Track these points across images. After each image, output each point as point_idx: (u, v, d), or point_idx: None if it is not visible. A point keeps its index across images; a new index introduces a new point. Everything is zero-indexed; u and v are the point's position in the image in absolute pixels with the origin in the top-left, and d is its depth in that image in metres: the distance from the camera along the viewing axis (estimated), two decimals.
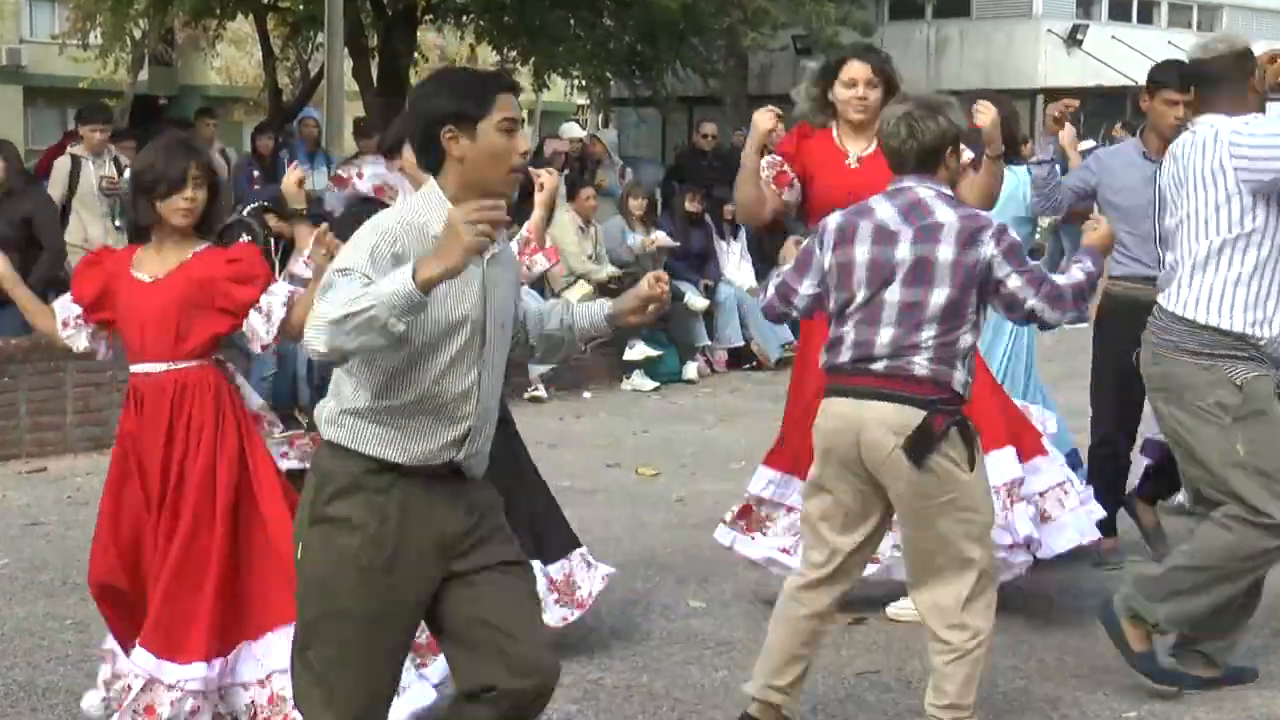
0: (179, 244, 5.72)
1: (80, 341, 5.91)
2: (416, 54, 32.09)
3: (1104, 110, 40.54)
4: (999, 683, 6.25)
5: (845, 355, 5.46)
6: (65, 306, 5.89)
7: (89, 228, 12.40)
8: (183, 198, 5.60)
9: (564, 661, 6.55)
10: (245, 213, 13.18)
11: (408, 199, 4.42)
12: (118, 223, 12.91)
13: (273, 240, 12.80)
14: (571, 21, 29.90)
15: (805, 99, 7.53)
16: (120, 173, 13.05)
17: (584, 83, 34.26)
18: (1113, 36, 43.78)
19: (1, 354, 11.36)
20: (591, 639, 6.99)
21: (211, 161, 6.16)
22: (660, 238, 15.65)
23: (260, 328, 5.68)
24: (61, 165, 12.62)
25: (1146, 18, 46.51)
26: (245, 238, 12.06)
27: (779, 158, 7.41)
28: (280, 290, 5.70)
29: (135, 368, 5.73)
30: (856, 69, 7.33)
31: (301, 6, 29.89)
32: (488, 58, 37.63)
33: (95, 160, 12.79)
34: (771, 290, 5.89)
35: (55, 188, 12.56)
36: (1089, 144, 21.74)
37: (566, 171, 17.09)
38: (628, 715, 6.04)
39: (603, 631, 7.11)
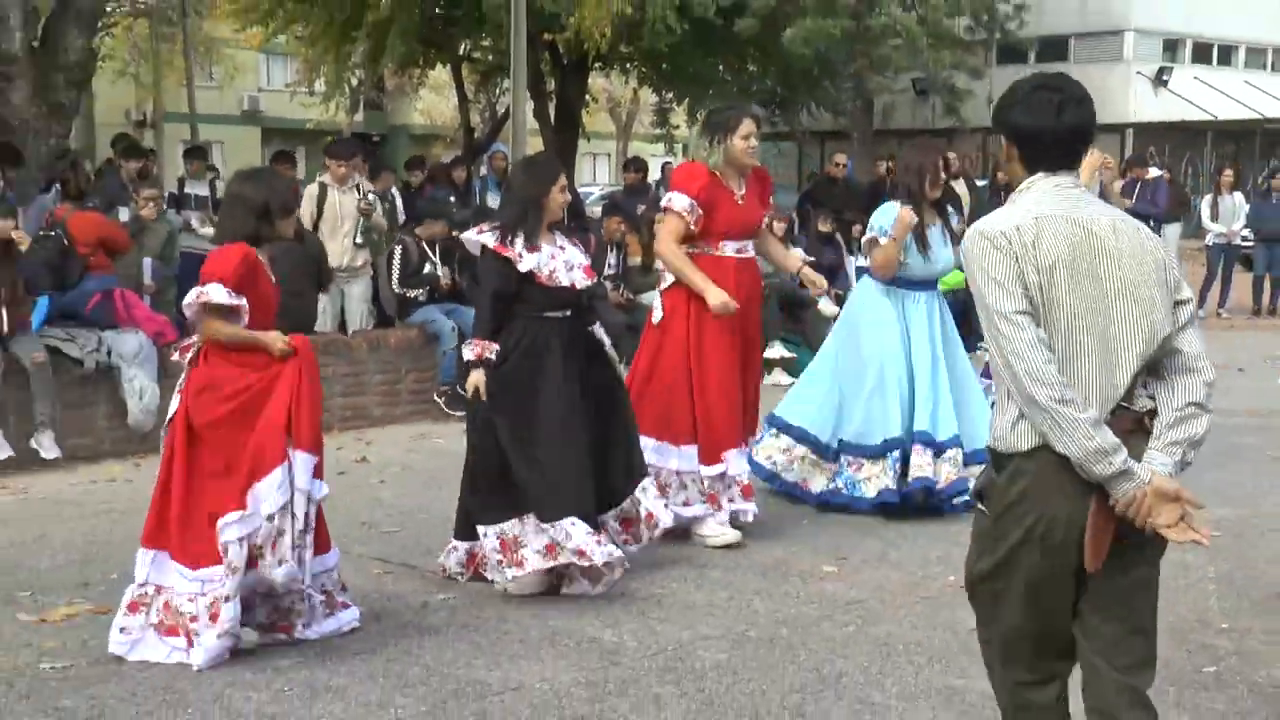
0: None
1: None
2: (588, 96, 32.23)
3: (1187, 144, 39.89)
4: None
5: None
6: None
7: (327, 244, 12.51)
8: None
9: (712, 617, 6.57)
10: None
11: None
12: (359, 239, 13.02)
13: (430, 246, 12.93)
14: (719, 68, 29.87)
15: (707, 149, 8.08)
16: (363, 198, 13.18)
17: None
18: (1195, 77, 43.05)
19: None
20: (737, 599, 6.96)
21: None
22: (797, 254, 15.65)
23: None
24: (310, 192, 12.71)
25: (1226, 60, 45.65)
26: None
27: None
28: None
29: None
30: (749, 125, 7.99)
31: (491, 57, 30.18)
32: (648, 99, 37.64)
33: (340, 188, 12.90)
34: None
35: (303, 213, 12.62)
36: (1156, 172, 21.38)
37: None
38: (771, 664, 5.99)
39: (747, 593, 7.07)
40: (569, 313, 7.12)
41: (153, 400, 10.64)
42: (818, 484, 8.88)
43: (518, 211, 7.06)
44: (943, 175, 9.08)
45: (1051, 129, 3.85)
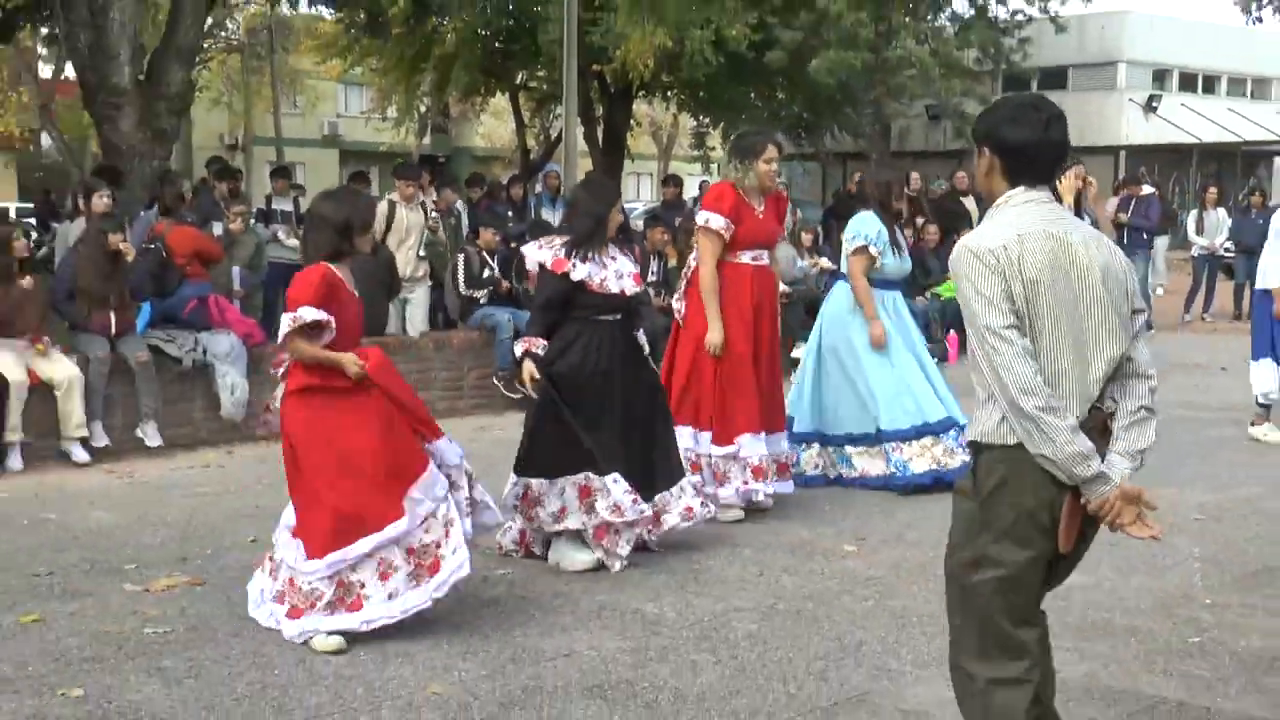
0: None
1: None
2: (632, 121, 32.23)
3: (1174, 164, 39.65)
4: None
5: None
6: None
7: (394, 255, 12.54)
8: None
9: (744, 591, 6.56)
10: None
11: None
12: (422, 253, 13.05)
13: (489, 254, 12.97)
14: (751, 95, 29.83)
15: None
16: (428, 215, 13.19)
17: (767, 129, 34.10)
18: (1182, 104, 42.89)
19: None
20: (766, 575, 6.95)
21: None
22: (824, 263, 15.69)
23: None
24: (381, 209, 12.68)
25: (1210, 89, 45.42)
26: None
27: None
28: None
29: None
30: (772, 150, 8.17)
31: (545, 86, 30.20)
32: (687, 124, 37.61)
33: (407, 206, 12.92)
34: None
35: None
36: (1149, 189, 21.27)
37: None
38: (797, 633, 5.98)
39: (776, 569, 7.06)
40: (619, 316, 7.16)
41: (243, 394, 10.70)
42: (875, 469, 8.92)
43: (584, 227, 7.10)
44: (906, 190, 9.38)
45: (1038, 143, 3.80)
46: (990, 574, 3.77)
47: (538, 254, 7.15)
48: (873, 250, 8.96)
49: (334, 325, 6.00)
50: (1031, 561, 3.76)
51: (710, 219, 8.05)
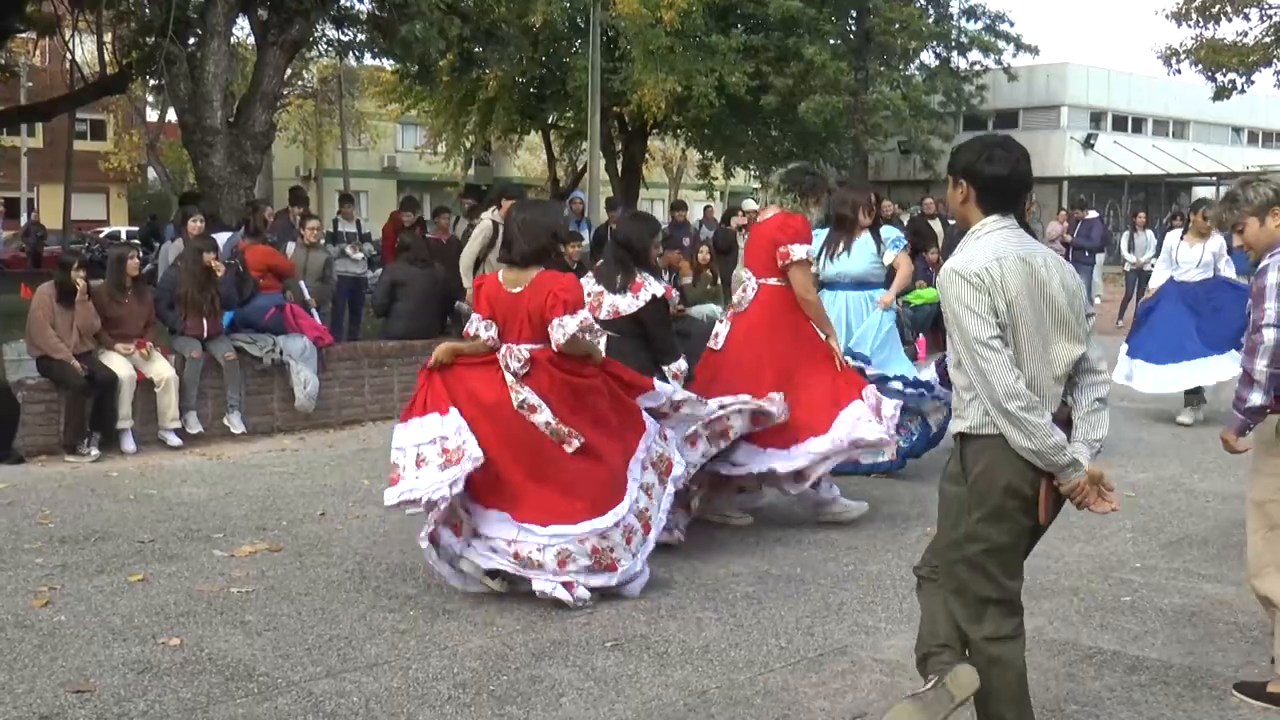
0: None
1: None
2: (647, 155, 32.24)
3: (1108, 193, 39.55)
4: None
5: None
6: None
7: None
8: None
9: (742, 558, 6.52)
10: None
11: None
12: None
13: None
14: (749, 133, 29.85)
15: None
16: None
17: (757, 172, 34.12)
18: (1115, 142, 42.85)
19: (382, 351, 11.61)
20: (762, 544, 6.92)
21: None
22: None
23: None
24: (485, 227, 12.41)
25: (1138, 128, 45.44)
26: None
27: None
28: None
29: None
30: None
31: (573, 125, 30.25)
32: (694, 157, 37.60)
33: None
34: None
35: (475, 242, 12.36)
36: (1093, 214, 21.18)
37: (743, 230, 17.02)
38: (788, 594, 5.95)
39: (769, 540, 7.03)
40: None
41: (314, 389, 10.71)
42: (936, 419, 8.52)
43: (628, 259, 6.74)
44: (874, 208, 8.80)
45: (1008, 177, 3.77)
46: (980, 546, 3.75)
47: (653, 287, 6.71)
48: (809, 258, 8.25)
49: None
50: (1013, 533, 3.75)
51: (802, 250, 7.21)
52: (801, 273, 7.24)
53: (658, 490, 6.06)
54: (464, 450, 5.62)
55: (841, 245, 8.70)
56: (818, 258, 8.63)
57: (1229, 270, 10.80)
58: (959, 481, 3.80)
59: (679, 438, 6.35)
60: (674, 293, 7.22)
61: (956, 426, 3.81)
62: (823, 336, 7.30)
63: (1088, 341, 3.77)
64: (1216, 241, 10.77)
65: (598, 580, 5.77)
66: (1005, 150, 3.81)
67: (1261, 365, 4.55)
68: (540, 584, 5.69)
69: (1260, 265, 4.68)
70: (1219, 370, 10.29)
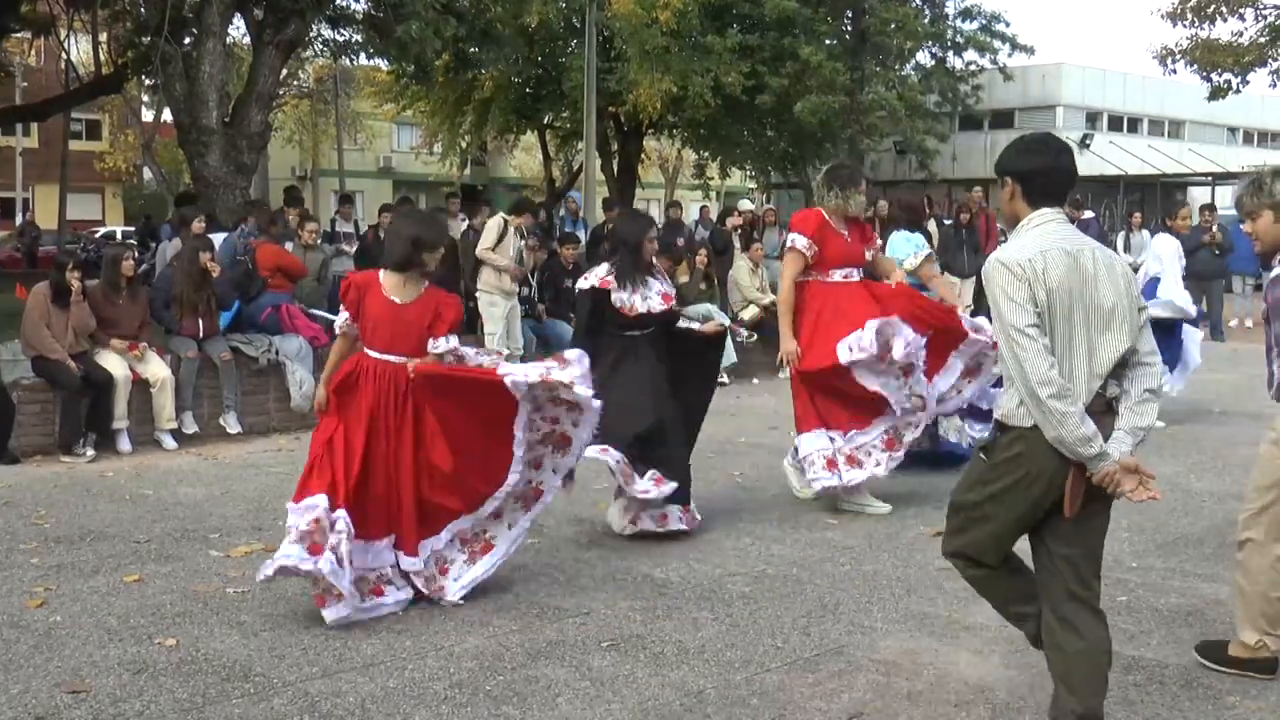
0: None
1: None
2: (643, 155, 32.23)
3: (1104, 193, 39.59)
4: None
5: None
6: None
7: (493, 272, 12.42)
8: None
9: (739, 558, 6.53)
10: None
11: None
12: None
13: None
14: (745, 133, 29.84)
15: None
16: (525, 239, 12.95)
17: (753, 173, 34.14)
18: (1110, 142, 42.89)
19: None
20: (758, 544, 6.93)
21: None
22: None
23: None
24: (495, 224, 12.46)
25: (1134, 129, 45.50)
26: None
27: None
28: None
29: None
30: (864, 184, 7.68)
31: (568, 125, 30.26)
32: (689, 157, 37.59)
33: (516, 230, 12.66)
34: None
35: (489, 236, 12.37)
36: (1089, 214, 21.18)
37: (739, 230, 17.04)
38: (784, 594, 5.96)
39: (766, 539, 7.03)
40: (650, 330, 6.98)
41: (309, 388, 10.68)
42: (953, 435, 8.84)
43: (625, 257, 6.95)
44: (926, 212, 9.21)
45: (1050, 169, 3.89)
46: (982, 523, 3.99)
47: (584, 282, 7.02)
48: (910, 262, 8.50)
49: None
50: (1015, 521, 3.93)
51: (795, 239, 7.50)
52: (790, 259, 7.55)
53: (519, 518, 6.03)
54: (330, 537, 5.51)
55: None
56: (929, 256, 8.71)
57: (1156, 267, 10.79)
58: (989, 457, 3.95)
59: (584, 439, 6.10)
60: (671, 301, 7.21)
61: (996, 413, 3.97)
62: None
63: (1139, 334, 3.84)
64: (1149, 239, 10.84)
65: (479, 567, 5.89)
66: (1044, 144, 3.97)
67: None
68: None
69: (1274, 274, 4.69)
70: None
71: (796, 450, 7.67)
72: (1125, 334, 3.79)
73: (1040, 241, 3.81)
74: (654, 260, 7.12)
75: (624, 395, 6.65)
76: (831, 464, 7.40)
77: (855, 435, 7.48)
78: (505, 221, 12.70)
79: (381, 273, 5.86)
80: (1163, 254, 10.76)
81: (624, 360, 6.87)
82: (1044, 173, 3.89)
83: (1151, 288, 10.46)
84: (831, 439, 7.47)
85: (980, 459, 4.00)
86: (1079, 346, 3.76)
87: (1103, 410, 3.80)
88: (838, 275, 7.53)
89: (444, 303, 5.86)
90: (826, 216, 7.56)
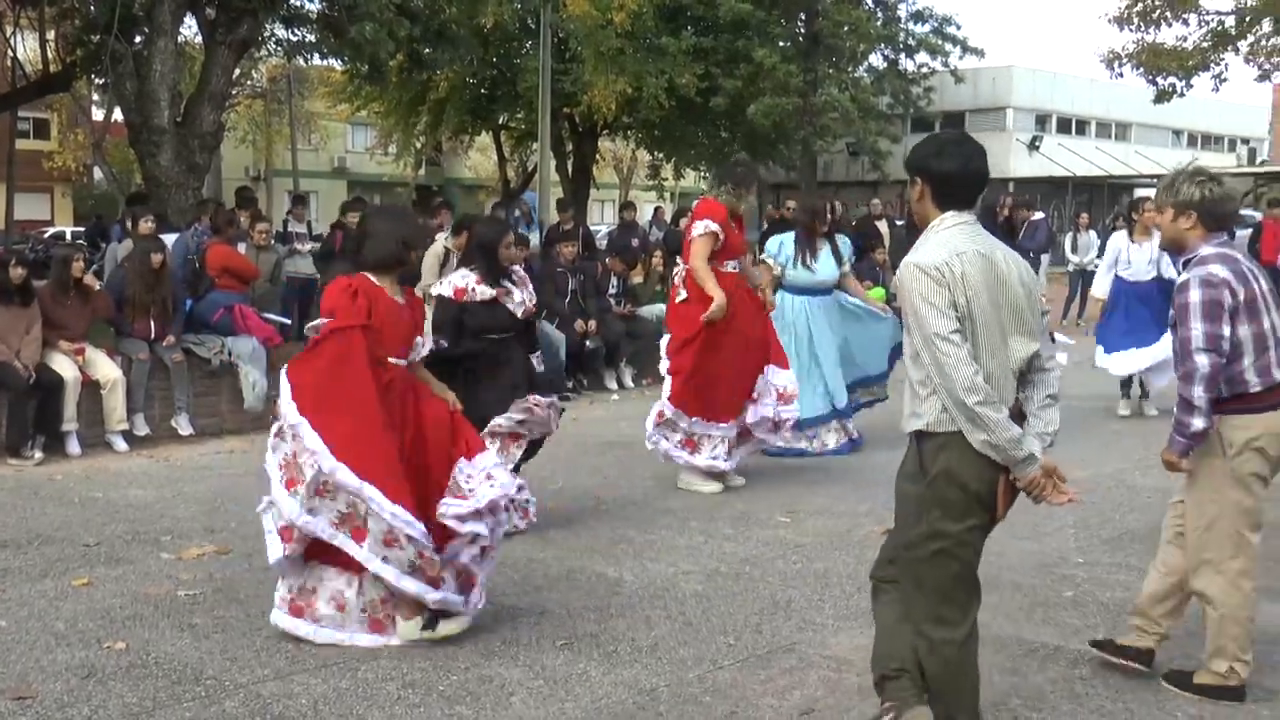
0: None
1: None
2: (597, 156, 32.20)
3: (1053, 194, 39.96)
4: None
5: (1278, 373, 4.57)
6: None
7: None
8: None
9: (691, 557, 6.54)
10: None
11: None
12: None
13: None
14: (699, 134, 29.90)
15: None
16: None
17: (707, 174, 34.20)
18: (1059, 144, 43.33)
19: None
20: (710, 543, 6.94)
21: None
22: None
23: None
24: (435, 254, 11.81)
25: (1082, 131, 46.00)
26: None
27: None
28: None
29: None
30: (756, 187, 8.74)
31: (523, 126, 30.19)
32: (644, 158, 37.62)
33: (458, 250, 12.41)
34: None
35: (431, 268, 11.97)
36: (1039, 215, 21.35)
37: None
38: (737, 592, 5.97)
39: (719, 538, 7.05)
40: (509, 335, 6.98)
41: (263, 390, 10.59)
42: (832, 440, 9.53)
43: (480, 260, 6.93)
44: (829, 217, 9.65)
45: (962, 174, 3.79)
46: (940, 544, 3.76)
47: (440, 289, 7.02)
48: (773, 263, 9.40)
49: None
50: (972, 530, 3.76)
51: (707, 225, 7.97)
52: (704, 241, 7.96)
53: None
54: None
55: (809, 254, 9.44)
56: (791, 264, 9.47)
57: (1170, 270, 10.92)
58: (917, 480, 3.80)
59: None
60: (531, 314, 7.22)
61: (912, 425, 3.81)
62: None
63: (1041, 338, 3.80)
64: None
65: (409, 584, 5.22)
66: (959, 146, 3.84)
67: (1199, 392, 4.48)
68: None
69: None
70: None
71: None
72: (1032, 336, 3.75)
73: (953, 244, 3.71)
74: (511, 264, 7.03)
75: (498, 394, 6.75)
76: (672, 430, 8.12)
77: (700, 424, 8.07)
78: (447, 250, 12.57)
79: (373, 276, 5.44)
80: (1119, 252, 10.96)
81: (492, 363, 6.88)
82: (957, 176, 3.79)
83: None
84: (681, 418, 8.07)
85: (908, 489, 3.86)
86: (999, 349, 3.70)
87: (1016, 414, 3.75)
88: (730, 266, 8.11)
89: (418, 302, 5.71)
90: (728, 210, 8.11)
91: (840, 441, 9.54)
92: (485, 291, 6.86)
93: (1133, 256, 10.84)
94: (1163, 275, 10.79)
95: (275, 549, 5.20)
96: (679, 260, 8.39)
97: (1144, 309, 10.69)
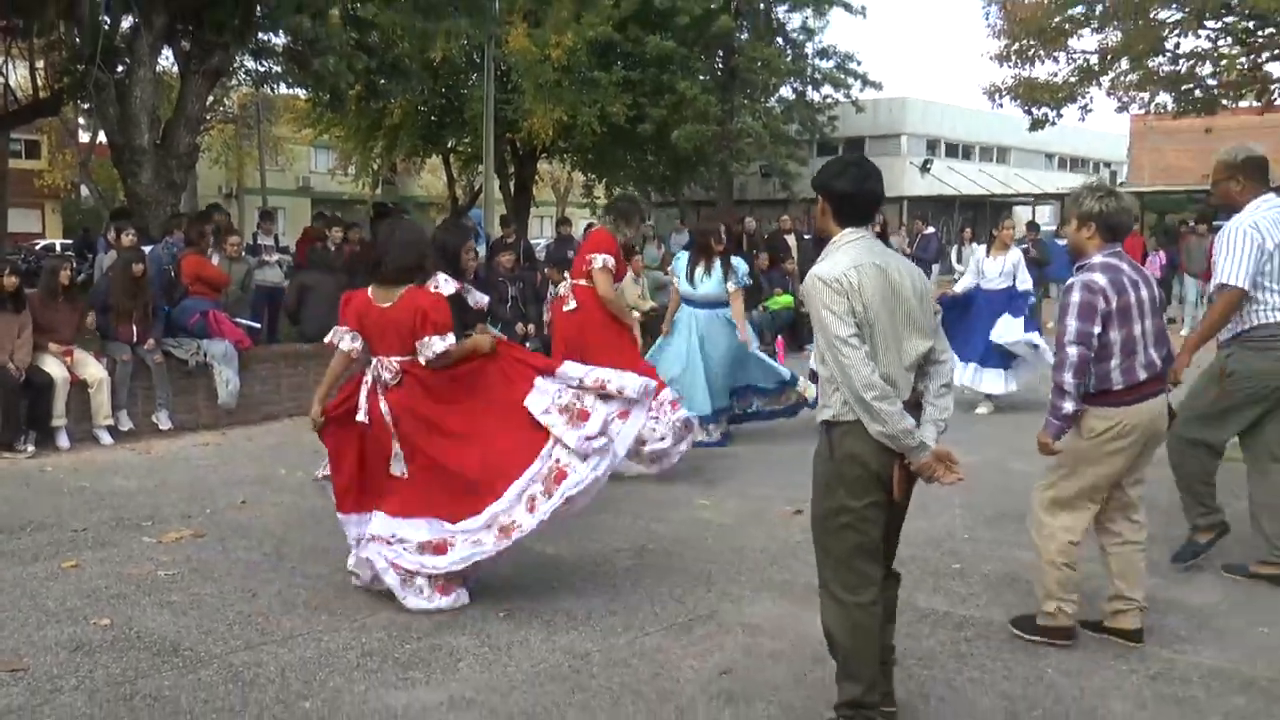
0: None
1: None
2: (537, 176, 32.11)
3: (942, 211, 40.41)
4: None
5: (1143, 372, 4.71)
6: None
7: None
8: None
9: (623, 536, 6.54)
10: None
11: None
12: None
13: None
14: (628, 157, 29.90)
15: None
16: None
17: (636, 192, 34.19)
18: (948, 166, 43.75)
19: (297, 353, 11.40)
20: (639, 523, 6.95)
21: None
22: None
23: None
24: None
25: (967, 155, 46.56)
26: None
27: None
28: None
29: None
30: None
31: (470, 150, 29.99)
32: (579, 179, 37.57)
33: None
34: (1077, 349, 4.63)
35: None
36: (930, 230, 21.61)
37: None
38: (664, 568, 6.00)
39: (647, 518, 7.07)
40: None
41: (235, 388, 10.51)
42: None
43: (444, 266, 6.59)
44: (724, 238, 9.35)
45: (859, 194, 3.82)
46: (845, 519, 3.79)
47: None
48: (673, 278, 9.45)
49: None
50: (872, 506, 3.80)
51: (607, 260, 8.02)
52: (605, 276, 8.03)
53: (541, 501, 5.27)
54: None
55: (701, 269, 9.22)
56: (684, 277, 9.33)
57: (1025, 282, 11.17)
58: (827, 461, 3.84)
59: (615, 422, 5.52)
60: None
61: (823, 415, 3.84)
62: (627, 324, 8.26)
63: (935, 336, 3.85)
64: (1015, 254, 11.25)
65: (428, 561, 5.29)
66: (858, 169, 3.87)
67: (1068, 378, 4.60)
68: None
69: (1068, 282, 4.77)
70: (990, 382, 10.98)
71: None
72: (926, 336, 3.80)
73: (851, 258, 3.74)
74: (470, 270, 6.98)
75: None
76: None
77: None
78: None
79: (371, 287, 5.36)
80: (984, 266, 11.20)
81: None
82: (855, 195, 3.82)
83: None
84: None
85: (820, 468, 3.87)
86: (893, 349, 3.73)
87: (913, 405, 3.80)
88: (583, 281, 8.18)
89: (428, 305, 5.34)
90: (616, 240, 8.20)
91: (714, 438, 9.28)
92: (449, 287, 6.74)
93: (986, 268, 11.20)
94: (1016, 287, 11.06)
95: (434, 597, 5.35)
96: (567, 275, 8.46)
97: (976, 321, 11.00)
